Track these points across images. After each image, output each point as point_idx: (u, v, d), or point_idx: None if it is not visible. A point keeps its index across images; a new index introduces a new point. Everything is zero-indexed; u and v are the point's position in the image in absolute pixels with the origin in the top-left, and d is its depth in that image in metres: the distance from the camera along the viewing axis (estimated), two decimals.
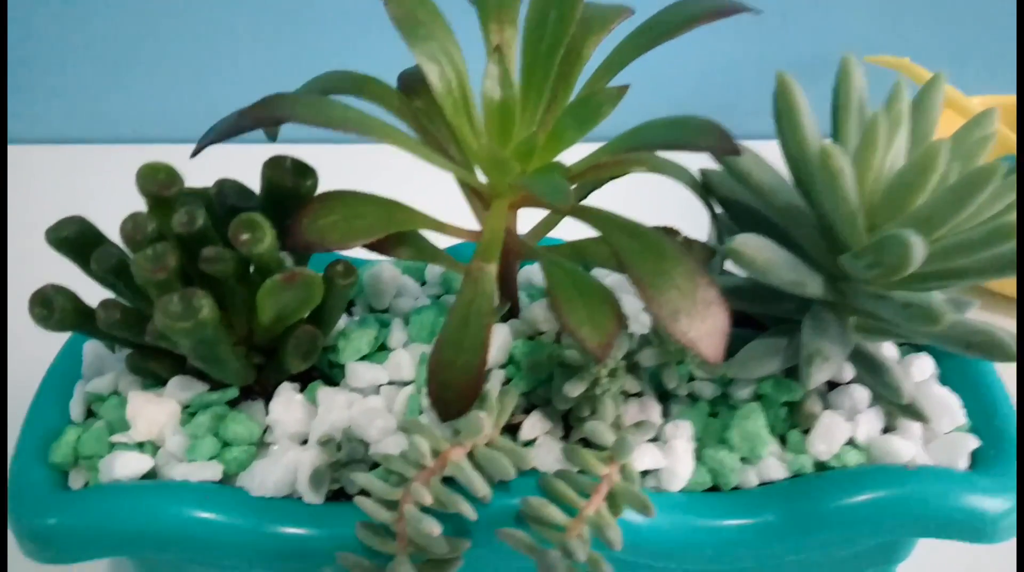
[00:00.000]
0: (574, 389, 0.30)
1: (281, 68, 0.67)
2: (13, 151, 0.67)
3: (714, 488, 0.32)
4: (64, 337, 0.35)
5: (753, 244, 0.28)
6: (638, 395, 0.32)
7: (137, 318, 0.29)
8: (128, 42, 0.67)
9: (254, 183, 0.32)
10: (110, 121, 0.69)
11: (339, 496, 0.31)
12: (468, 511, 0.28)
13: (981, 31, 0.69)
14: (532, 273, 0.39)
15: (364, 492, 0.29)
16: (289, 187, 0.30)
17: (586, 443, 0.31)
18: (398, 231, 0.30)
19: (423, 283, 0.39)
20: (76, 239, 0.30)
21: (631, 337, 0.32)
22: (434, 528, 0.27)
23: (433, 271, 0.39)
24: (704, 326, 0.25)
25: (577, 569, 0.28)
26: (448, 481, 0.29)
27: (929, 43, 0.69)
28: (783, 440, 0.33)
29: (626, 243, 0.26)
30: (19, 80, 0.67)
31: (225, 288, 0.29)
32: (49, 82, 0.68)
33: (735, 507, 0.31)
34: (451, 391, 0.29)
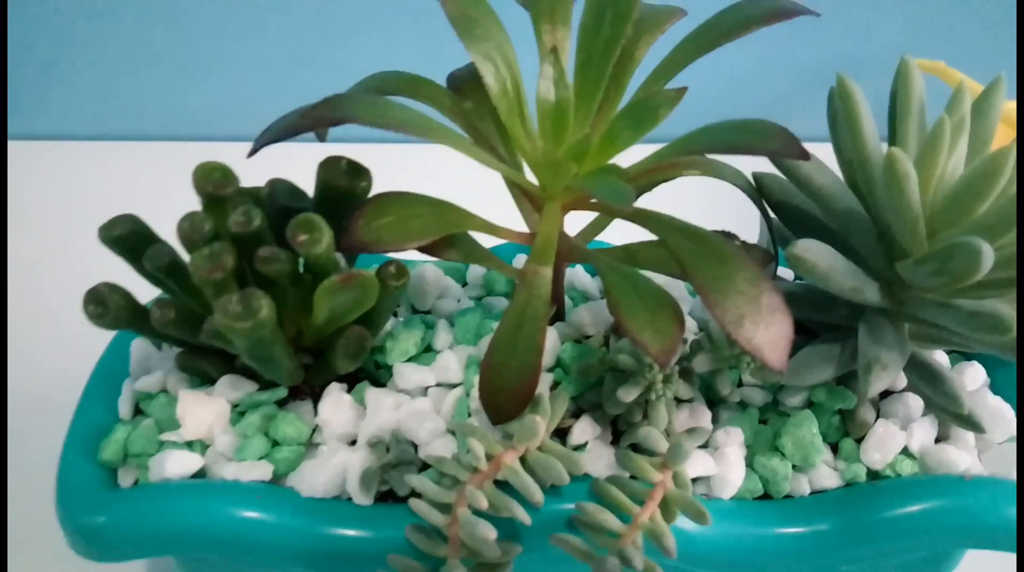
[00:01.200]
0: (628, 394, 0.30)
1: (306, 67, 0.67)
2: (37, 147, 0.67)
3: (764, 496, 0.31)
4: (107, 335, 0.35)
5: (815, 250, 0.27)
6: (688, 401, 0.32)
7: (191, 317, 0.29)
8: (154, 39, 0.66)
9: (297, 182, 0.32)
10: (135, 117, 0.69)
11: (387, 497, 0.30)
12: (523, 516, 0.28)
13: (1014, 34, 0.68)
14: (574, 276, 0.38)
15: (416, 494, 0.29)
16: (344, 188, 0.30)
17: (635, 448, 0.31)
18: (450, 233, 0.30)
19: (464, 285, 0.39)
20: (128, 237, 0.30)
21: (684, 342, 0.32)
22: (489, 532, 0.27)
23: (474, 273, 0.39)
24: (769, 333, 0.25)
25: None
26: (499, 485, 0.29)
27: (963, 46, 0.68)
28: (835, 448, 0.32)
29: (687, 247, 0.26)
30: (43, 76, 0.67)
31: (277, 288, 0.29)
32: (73, 78, 0.67)
33: (787, 515, 0.30)
34: (504, 394, 0.29)
